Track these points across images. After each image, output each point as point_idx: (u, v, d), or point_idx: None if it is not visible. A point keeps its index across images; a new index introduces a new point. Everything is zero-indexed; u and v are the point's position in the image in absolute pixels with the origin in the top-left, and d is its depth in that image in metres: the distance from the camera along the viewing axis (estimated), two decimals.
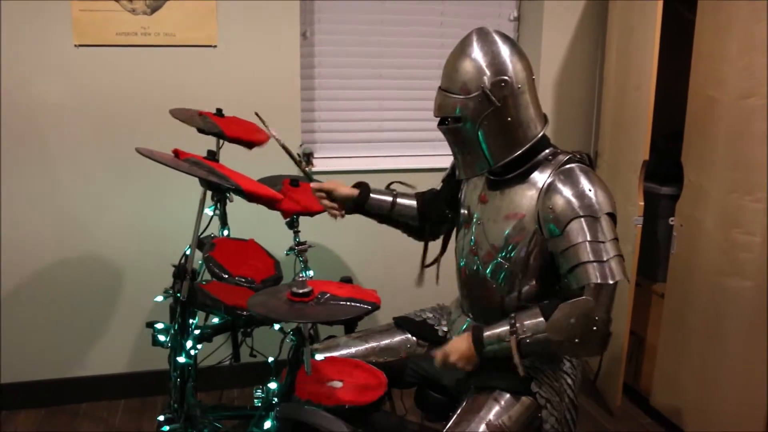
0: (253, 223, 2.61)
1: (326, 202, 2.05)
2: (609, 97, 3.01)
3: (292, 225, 2.47)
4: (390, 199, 2.09)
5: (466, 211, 1.97)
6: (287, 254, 2.46)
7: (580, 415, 1.93)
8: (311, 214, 2.41)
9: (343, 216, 2.08)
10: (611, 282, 1.66)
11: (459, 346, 1.78)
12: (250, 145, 2.45)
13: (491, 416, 1.72)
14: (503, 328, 1.73)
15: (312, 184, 2.11)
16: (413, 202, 2.11)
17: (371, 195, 2.07)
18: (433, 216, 2.09)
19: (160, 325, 2.21)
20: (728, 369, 2.45)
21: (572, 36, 3.16)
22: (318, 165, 3.05)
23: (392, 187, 2.15)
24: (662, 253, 2.85)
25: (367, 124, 3.24)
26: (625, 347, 2.84)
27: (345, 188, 2.06)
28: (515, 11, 3.27)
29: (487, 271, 1.88)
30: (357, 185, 2.09)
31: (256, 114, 2.22)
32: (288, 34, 2.89)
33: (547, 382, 1.81)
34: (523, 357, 1.73)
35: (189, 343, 2.11)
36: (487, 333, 1.75)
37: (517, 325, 1.71)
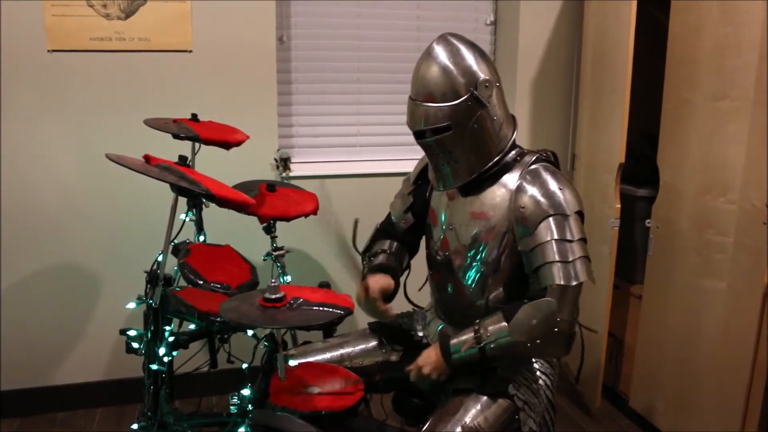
0: (230, 229, 2.59)
1: (384, 306, 1.91)
2: (585, 98, 3.03)
3: (269, 230, 2.45)
4: (393, 264, 2.02)
5: (434, 214, 1.97)
6: (264, 260, 2.45)
7: (558, 417, 1.93)
8: (288, 219, 2.40)
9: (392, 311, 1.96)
10: (575, 284, 1.66)
11: (429, 357, 1.78)
12: (227, 145, 2.43)
13: (467, 418, 1.71)
14: (468, 335, 1.73)
15: (371, 290, 1.89)
16: (395, 243, 2.08)
17: (394, 272, 1.99)
18: (413, 238, 2.09)
19: (133, 332, 2.18)
20: (705, 370, 2.46)
21: (549, 38, 3.17)
22: (295, 170, 3.04)
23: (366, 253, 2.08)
24: (639, 255, 2.87)
25: (344, 129, 3.23)
26: (603, 349, 2.85)
27: (385, 280, 1.94)
28: (492, 15, 3.28)
29: (459, 273, 1.88)
30: (376, 271, 1.97)
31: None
32: (264, 38, 2.88)
33: (525, 384, 1.81)
34: (490, 361, 1.73)
35: (162, 350, 2.09)
36: (453, 341, 1.75)
37: (481, 331, 1.71)
